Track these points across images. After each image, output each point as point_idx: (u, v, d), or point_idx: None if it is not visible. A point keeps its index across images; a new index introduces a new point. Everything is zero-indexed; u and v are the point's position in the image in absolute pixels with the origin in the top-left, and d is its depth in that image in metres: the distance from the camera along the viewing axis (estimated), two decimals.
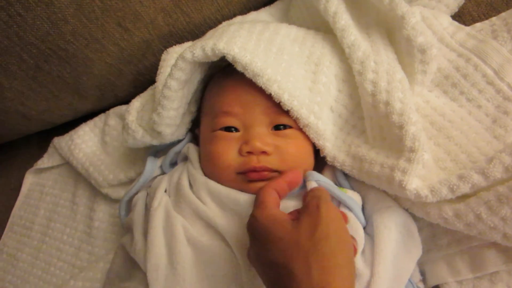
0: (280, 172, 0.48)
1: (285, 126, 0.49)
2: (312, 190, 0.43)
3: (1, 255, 0.73)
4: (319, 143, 0.49)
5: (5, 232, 0.75)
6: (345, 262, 0.35)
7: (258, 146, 0.46)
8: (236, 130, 0.49)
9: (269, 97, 0.47)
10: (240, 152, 0.48)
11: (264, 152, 0.47)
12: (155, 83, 0.60)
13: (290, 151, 0.48)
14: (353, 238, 0.41)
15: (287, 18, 0.66)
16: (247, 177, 0.47)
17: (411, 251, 0.45)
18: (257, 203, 0.40)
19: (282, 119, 0.48)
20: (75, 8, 0.56)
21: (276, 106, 0.48)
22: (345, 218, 0.43)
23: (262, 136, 0.47)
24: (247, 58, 0.46)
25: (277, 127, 0.49)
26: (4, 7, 0.54)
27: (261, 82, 0.46)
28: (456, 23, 0.55)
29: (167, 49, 0.62)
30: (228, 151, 0.48)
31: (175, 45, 0.65)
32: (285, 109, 0.47)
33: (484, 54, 0.50)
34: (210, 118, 0.52)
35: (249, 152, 0.47)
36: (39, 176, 0.78)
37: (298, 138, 0.49)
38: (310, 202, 0.39)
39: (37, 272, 0.68)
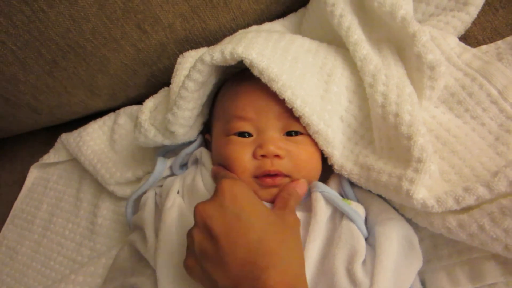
0: (291, 178, 0.49)
1: (297, 133, 0.50)
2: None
3: (0, 248, 0.73)
4: (328, 150, 0.51)
5: (5, 225, 0.75)
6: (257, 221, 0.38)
7: (272, 150, 0.47)
8: (250, 135, 0.50)
9: (281, 103, 0.49)
10: (254, 156, 0.48)
11: (277, 156, 0.48)
12: (169, 86, 0.61)
13: (302, 156, 0.49)
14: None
15: (299, 31, 0.69)
16: (261, 182, 0.48)
17: (412, 262, 0.45)
18: None
19: (294, 125, 0.50)
20: (97, 7, 0.58)
21: (288, 112, 0.49)
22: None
23: (276, 140, 0.49)
24: (264, 63, 0.47)
25: (289, 133, 0.50)
26: (28, 2, 0.56)
27: (275, 87, 0.48)
28: (462, 44, 0.57)
29: (183, 53, 0.64)
30: (243, 155, 0.49)
31: (190, 50, 0.67)
32: (297, 115, 0.49)
33: (489, 74, 0.52)
34: (224, 123, 0.53)
35: (263, 156, 0.48)
36: (43, 170, 0.79)
37: (309, 145, 0.50)
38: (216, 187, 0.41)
39: (36, 266, 0.68)
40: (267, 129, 0.50)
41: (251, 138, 0.50)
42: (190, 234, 0.40)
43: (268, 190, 0.48)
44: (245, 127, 0.50)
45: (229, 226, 0.37)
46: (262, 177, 0.48)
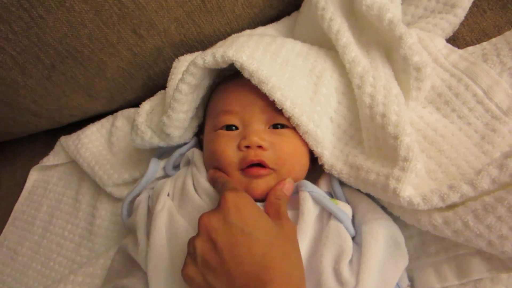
0: (276, 172, 0.50)
1: (283, 126, 0.52)
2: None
3: (1, 249, 0.74)
4: (318, 150, 0.52)
5: (6, 226, 0.77)
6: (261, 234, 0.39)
7: (255, 140, 0.48)
8: (236, 128, 0.52)
9: (267, 97, 0.50)
10: (239, 147, 0.50)
11: (260, 147, 0.49)
12: (165, 89, 0.63)
13: (285, 149, 0.50)
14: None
15: (292, 34, 0.70)
16: (247, 174, 0.49)
17: (398, 261, 0.46)
18: None
19: (280, 118, 0.51)
20: (94, 13, 0.60)
21: (274, 105, 0.50)
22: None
23: (259, 132, 0.50)
24: (254, 65, 0.49)
25: (275, 126, 0.51)
26: (27, 9, 0.57)
27: (265, 89, 0.49)
28: (449, 45, 0.59)
29: (179, 58, 0.66)
30: (228, 148, 0.50)
31: (185, 53, 0.68)
32: (287, 116, 0.50)
33: (475, 75, 0.54)
34: (213, 118, 0.55)
35: (247, 147, 0.49)
36: (43, 173, 0.80)
37: (294, 138, 0.51)
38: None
39: (37, 266, 0.69)
40: (252, 122, 0.51)
41: (237, 131, 0.52)
42: (192, 243, 0.40)
43: (255, 182, 0.49)
44: (231, 120, 0.52)
45: (234, 240, 0.38)
46: (247, 168, 0.49)
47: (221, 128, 0.52)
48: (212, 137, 0.53)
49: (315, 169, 0.55)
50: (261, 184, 0.49)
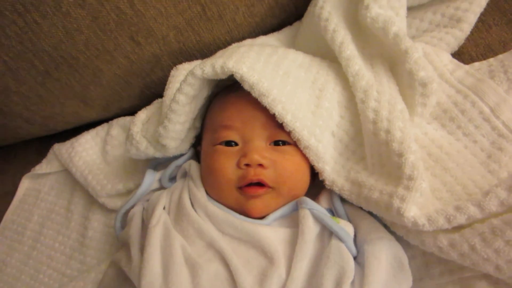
0: (275, 189, 0.48)
1: (284, 142, 0.50)
2: None
3: None
4: (319, 166, 0.50)
5: None
6: None
7: (255, 159, 0.47)
8: (236, 144, 0.50)
9: (268, 112, 0.49)
10: (238, 165, 0.48)
11: (261, 165, 0.47)
12: (162, 98, 0.61)
13: (287, 166, 0.49)
14: None
15: (294, 44, 0.69)
16: (245, 193, 0.48)
17: (401, 283, 0.45)
18: None
19: (281, 135, 0.50)
20: (91, 19, 0.58)
21: (275, 121, 0.49)
22: None
23: (260, 150, 0.49)
24: (254, 77, 0.47)
25: (276, 143, 0.50)
26: (21, 14, 0.56)
27: (266, 102, 0.48)
28: (455, 61, 0.58)
29: (177, 66, 0.64)
30: (227, 165, 0.49)
31: (184, 62, 0.67)
32: (287, 130, 0.49)
33: (482, 92, 0.52)
34: (211, 133, 0.53)
35: (247, 165, 0.48)
36: (35, 181, 0.78)
37: (296, 155, 0.50)
38: None
39: (25, 279, 0.67)
40: (252, 138, 0.50)
41: (236, 148, 0.50)
42: None
43: (252, 202, 0.48)
44: (231, 136, 0.51)
45: None
46: (245, 187, 0.48)
47: (220, 144, 0.51)
48: (210, 152, 0.52)
49: (315, 184, 0.54)
50: (258, 204, 0.48)
